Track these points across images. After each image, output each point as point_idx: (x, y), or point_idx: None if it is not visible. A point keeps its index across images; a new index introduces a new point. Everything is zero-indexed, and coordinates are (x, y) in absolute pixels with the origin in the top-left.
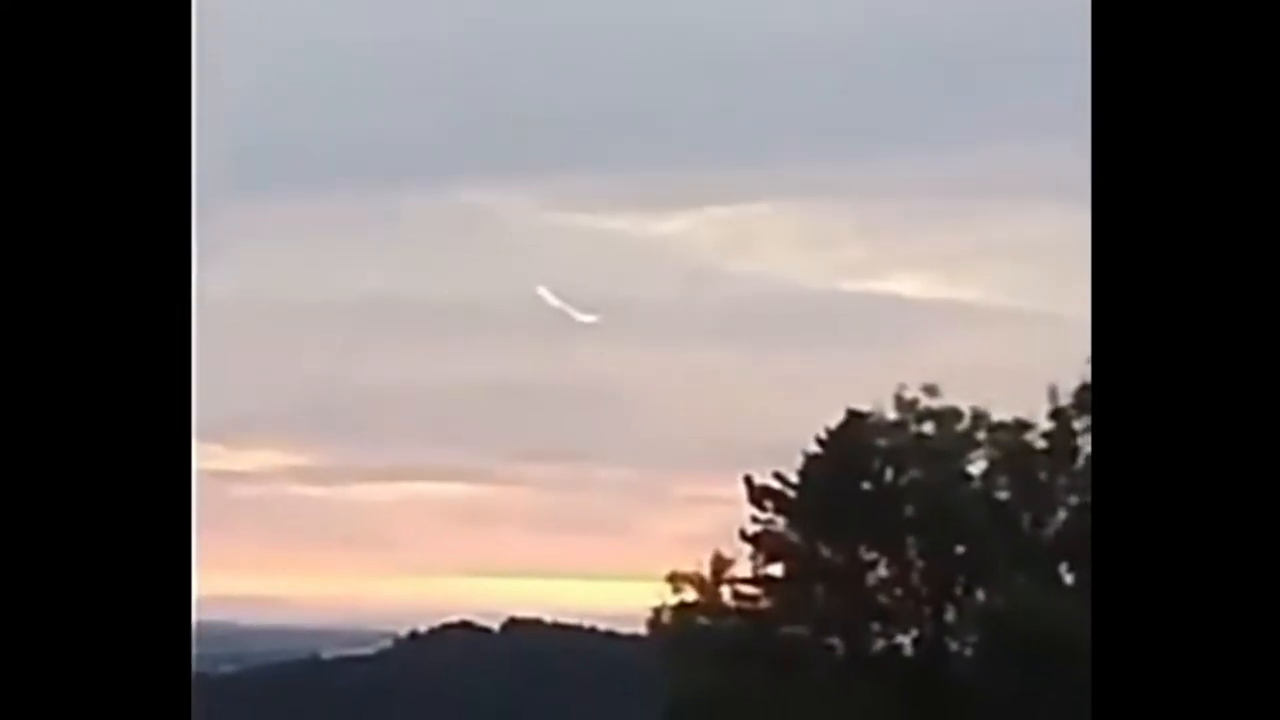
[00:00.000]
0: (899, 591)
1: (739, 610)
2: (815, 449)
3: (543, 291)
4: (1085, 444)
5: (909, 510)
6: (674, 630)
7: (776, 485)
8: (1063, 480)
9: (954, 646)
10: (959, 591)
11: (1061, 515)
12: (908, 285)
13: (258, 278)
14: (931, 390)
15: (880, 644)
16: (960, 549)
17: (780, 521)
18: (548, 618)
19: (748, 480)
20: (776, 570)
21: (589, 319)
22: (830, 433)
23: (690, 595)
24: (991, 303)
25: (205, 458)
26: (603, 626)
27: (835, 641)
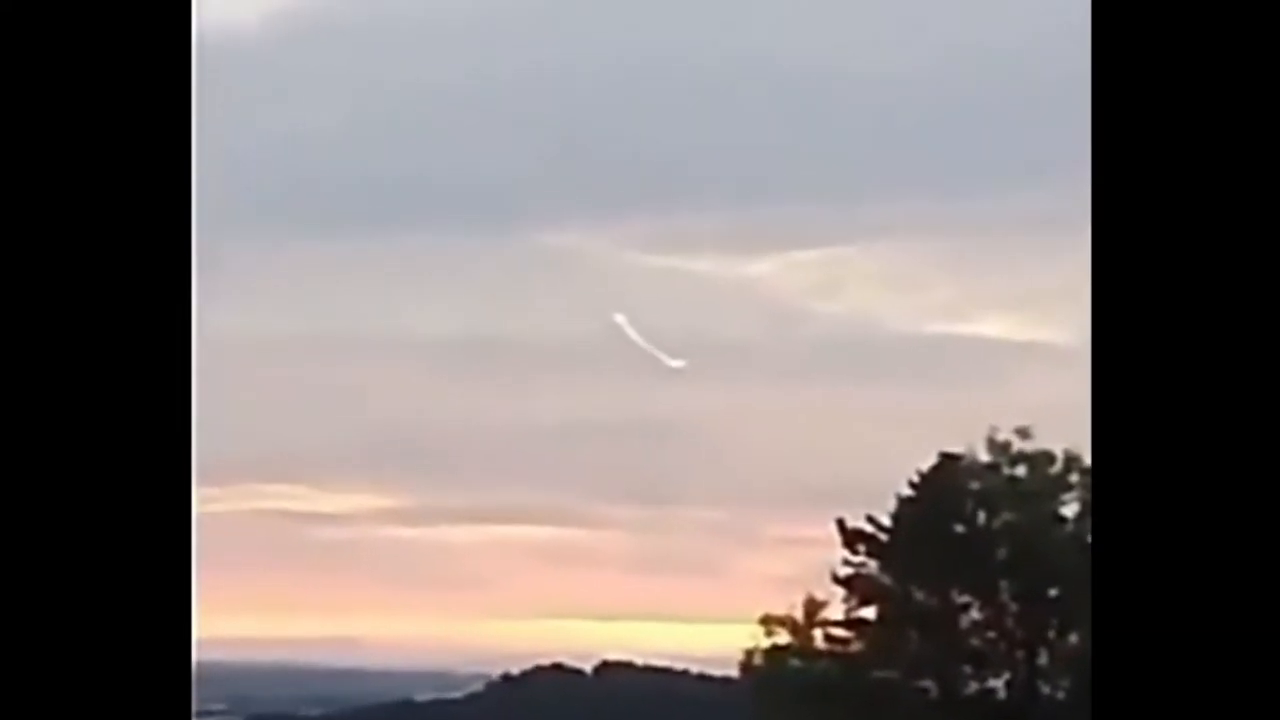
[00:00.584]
0: (991, 634)
1: (831, 653)
2: (908, 491)
3: (620, 320)
4: None
5: (1002, 553)
6: (766, 672)
7: (869, 528)
8: None
9: (1046, 690)
10: (1052, 635)
11: None
12: (998, 326)
13: (346, 318)
14: (1024, 433)
15: (973, 687)
16: (1053, 592)
17: (872, 564)
18: (639, 660)
19: (840, 523)
20: (869, 613)
21: (677, 364)
22: (922, 475)
23: (782, 638)
24: (1084, 344)
25: (292, 499)
26: (695, 669)
27: (928, 684)
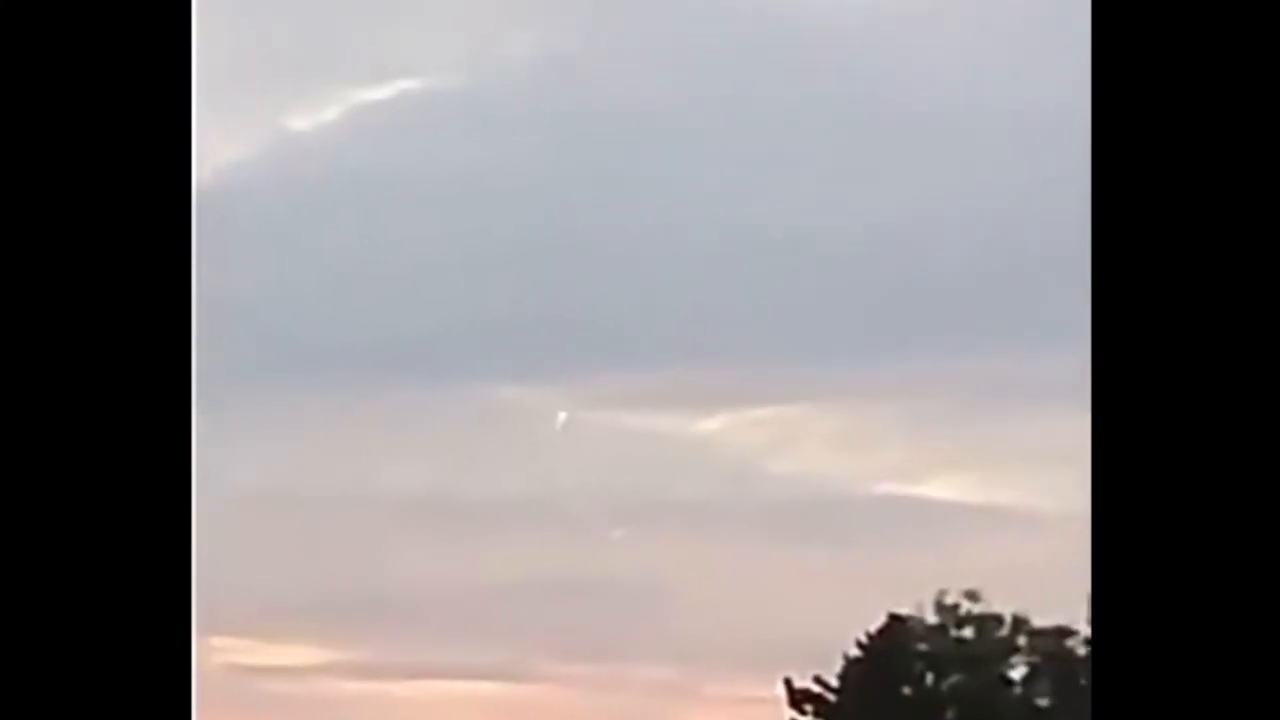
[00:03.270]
0: None
1: None
2: (855, 652)
3: (561, 418)
4: None
5: (950, 715)
6: None
7: (816, 688)
8: None
9: None
10: None
11: None
12: (948, 488)
13: (291, 472)
14: (972, 595)
15: None
16: None
17: None
18: None
19: (787, 682)
20: None
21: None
22: (870, 636)
23: None
24: (1031, 506)
25: (240, 652)
26: None
27: None
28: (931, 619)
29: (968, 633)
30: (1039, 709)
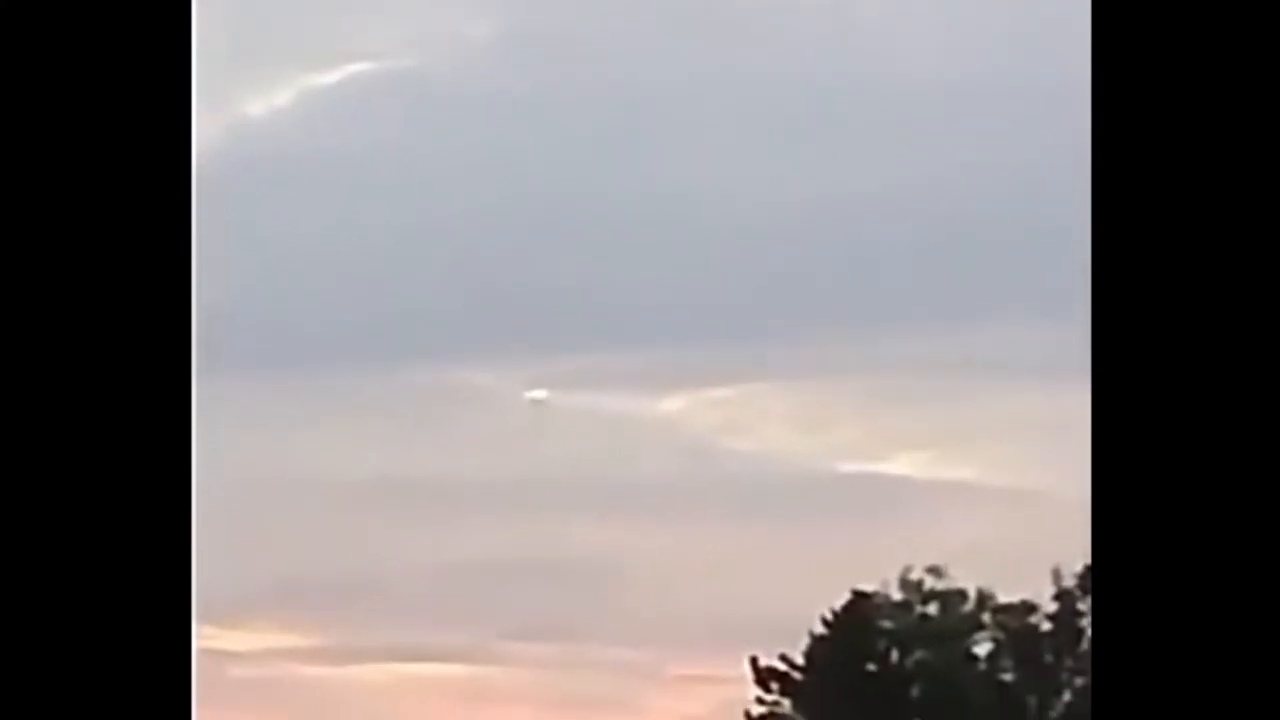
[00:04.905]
0: None
1: None
2: (820, 630)
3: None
4: (1089, 625)
5: (915, 691)
6: None
7: (781, 666)
8: (1068, 662)
9: None
10: None
11: (1067, 697)
12: (909, 465)
13: (250, 457)
14: (937, 571)
15: None
16: None
17: (785, 703)
18: None
19: (753, 661)
20: None
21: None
22: (835, 614)
23: None
24: (994, 483)
25: (201, 638)
26: None
27: None
28: (896, 595)
29: (932, 609)
30: (1003, 684)
